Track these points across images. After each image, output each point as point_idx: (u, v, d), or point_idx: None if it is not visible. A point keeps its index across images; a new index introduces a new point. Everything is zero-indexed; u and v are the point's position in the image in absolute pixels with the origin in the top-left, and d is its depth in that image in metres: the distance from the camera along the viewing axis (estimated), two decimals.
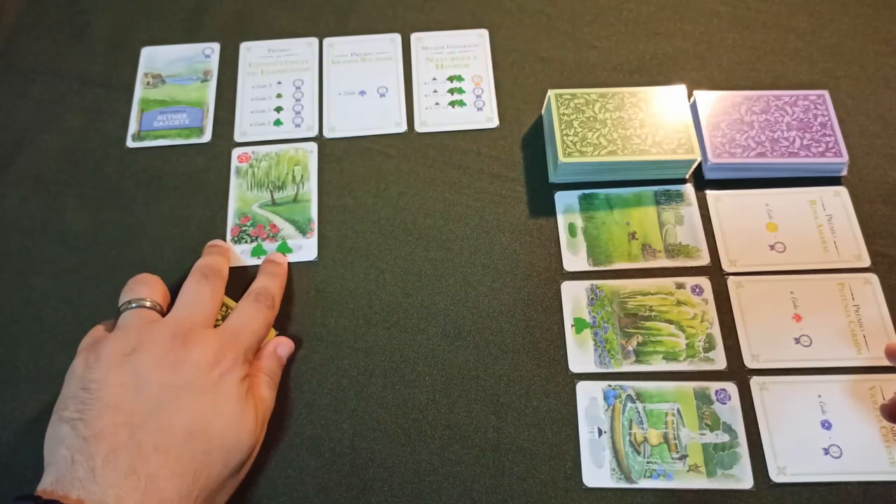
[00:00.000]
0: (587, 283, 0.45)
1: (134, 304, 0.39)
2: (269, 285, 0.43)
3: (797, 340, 0.44)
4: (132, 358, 0.35)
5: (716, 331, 0.44)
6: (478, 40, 0.55)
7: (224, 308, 0.43)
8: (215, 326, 0.41)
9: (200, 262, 0.43)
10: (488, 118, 0.52)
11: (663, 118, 0.48)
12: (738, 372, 0.43)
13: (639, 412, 0.42)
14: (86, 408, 0.33)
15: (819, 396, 0.42)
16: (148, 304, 0.39)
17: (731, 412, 0.41)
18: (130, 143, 0.51)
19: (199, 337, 0.37)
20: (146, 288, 0.41)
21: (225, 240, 0.47)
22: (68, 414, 0.34)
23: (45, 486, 0.31)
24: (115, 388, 0.34)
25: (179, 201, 0.49)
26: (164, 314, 0.40)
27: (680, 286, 0.45)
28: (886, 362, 0.40)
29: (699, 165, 0.48)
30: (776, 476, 0.40)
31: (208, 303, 0.40)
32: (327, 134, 0.51)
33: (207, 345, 0.37)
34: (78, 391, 0.34)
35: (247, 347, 0.39)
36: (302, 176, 0.50)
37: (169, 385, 0.35)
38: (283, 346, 0.42)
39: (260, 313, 0.41)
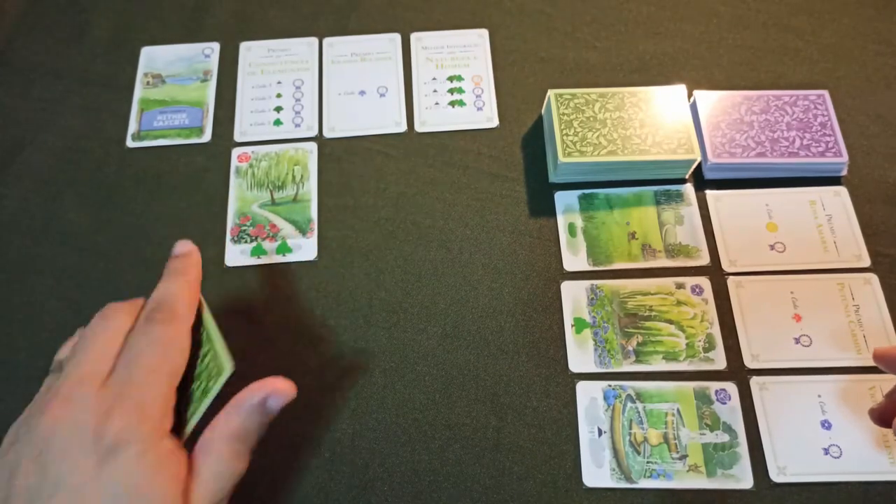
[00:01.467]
0: (587, 283, 0.45)
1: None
2: (165, 291, 0.33)
3: (797, 340, 0.44)
4: (6, 459, 0.28)
5: (716, 331, 0.44)
6: (478, 40, 0.55)
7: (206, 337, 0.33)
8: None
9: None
10: (488, 118, 0.52)
11: (663, 118, 0.48)
12: (737, 372, 0.43)
13: (639, 412, 0.42)
14: None
15: (819, 396, 0.42)
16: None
17: (731, 412, 0.41)
18: (130, 143, 0.51)
19: (63, 407, 0.28)
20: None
21: (225, 239, 0.47)
22: None
23: None
24: None
25: (179, 201, 0.49)
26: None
27: (680, 286, 0.45)
28: None
29: (699, 165, 0.48)
30: (776, 476, 0.40)
31: (98, 346, 0.30)
32: (327, 134, 0.51)
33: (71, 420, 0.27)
34: None
35: (140, 400, 0.28)
36: (302, 176, 0.50)
37: (37, 495, 0.26)
38: (276, 396, 0.30)
39: (153, 339, 0.30)
